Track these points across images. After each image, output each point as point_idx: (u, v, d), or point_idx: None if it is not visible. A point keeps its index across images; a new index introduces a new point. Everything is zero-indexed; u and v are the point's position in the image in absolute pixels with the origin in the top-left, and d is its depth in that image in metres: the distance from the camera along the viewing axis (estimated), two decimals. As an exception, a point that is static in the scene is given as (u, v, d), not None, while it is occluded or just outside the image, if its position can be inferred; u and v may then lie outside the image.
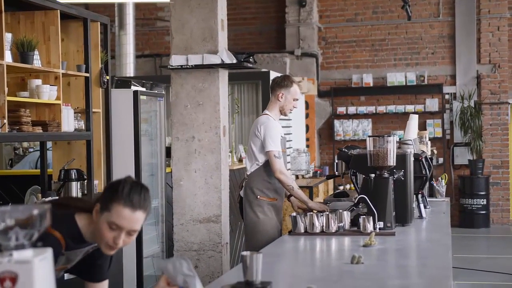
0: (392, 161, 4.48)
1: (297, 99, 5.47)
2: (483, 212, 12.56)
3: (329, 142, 13.35)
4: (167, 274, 2.61)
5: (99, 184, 6.02)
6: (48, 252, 1.82)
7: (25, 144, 8.54)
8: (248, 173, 5.43)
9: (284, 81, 5.45)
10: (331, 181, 11.46)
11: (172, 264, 2.59)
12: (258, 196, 5.33)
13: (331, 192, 10.68)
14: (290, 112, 5.60)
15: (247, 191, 5.41)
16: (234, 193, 7.09)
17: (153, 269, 6.94)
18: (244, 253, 2.77)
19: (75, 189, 5.54)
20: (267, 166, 5.31)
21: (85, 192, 5.75)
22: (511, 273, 8.70)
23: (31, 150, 8.75)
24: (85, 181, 5.73)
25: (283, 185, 5.27)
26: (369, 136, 4.55)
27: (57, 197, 4.90)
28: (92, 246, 2.85)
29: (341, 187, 12.14)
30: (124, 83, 6.64)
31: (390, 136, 4.51)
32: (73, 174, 5.55)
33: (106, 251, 2.73)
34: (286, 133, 10.45)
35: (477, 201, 12.52)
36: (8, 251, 1.78)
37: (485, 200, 12.54)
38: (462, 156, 12.87)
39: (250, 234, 5.38)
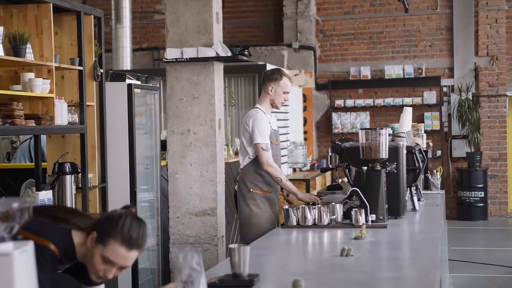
0: (384, 153, 4.48)
1: (287, 92, 5.48)
2: (481, 204, 12.57)
3: (327, 135, 13.34)
4: (175, 263, 2.61)
5: (93, 178, 6.02)
6: (29, 245, 1.82)
7: (22, 138, 8.54)
8: (241, 167, 5.47)
9: (274, 75, 5.47)
10: (328, 174, 11.47)
11: (184, 254, 2.59)
12: (251, 189, 5.37)
13: (328, 185, 10.68)
14: (283, 105, 5.61)
15: (240, 185, 5.45)
16: (230, 186, 7.10)
17: (148, 262, 6.94)
18: (232, 246, 2.78)
19: (69, 183, 5.53)
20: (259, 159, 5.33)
21: (79, 185, 5.75)
22: (508, 265, 8.72)
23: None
24: (79, 174, 5.72)
25: (271, 177, 5.30)
26: (361, 129, 4.55)
27: (55, 206, 4.80)
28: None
29: (339, 180, 12.15)
30: (119, 76, 6.63)
31: (382, 129, 4.51)
32: (67, 167, 5.54)
33: (94, 279, 2.74)
34: (284, 126, 10.48)
35: (475, 193, 12.53)
36: (-12, 244, 1.78)
37: (483, 192, 12.55)
38: (460, 149, 12.87)
39: (244, 227, 5.41)
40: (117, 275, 2.74)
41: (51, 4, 5.34)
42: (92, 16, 6.05)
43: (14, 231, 1.81)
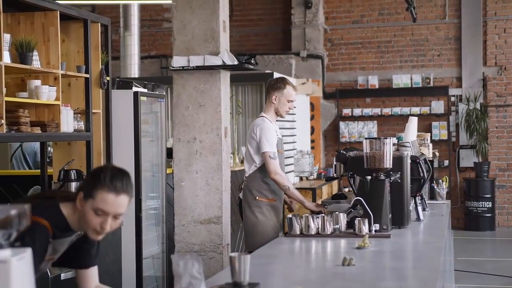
0: (388, 163, 4.47)
1: (291, 101, 5.51)
2: (489, 215, 12.52)
3: (334, 144, 13.33)
4: (175, 270, 2.62)
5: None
6: (27, 252, 1.83)
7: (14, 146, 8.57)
8: (246, 175, 5.49)
9: (277, 83, 5.50)
10: (335, 183, 11.44)
11: (184, 262, 2.61)
12: (257, 197, 5.39)
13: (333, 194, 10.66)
14: (287, 113, 5.64)
15: (245, 193, 5.46)
16: (236, 194, 7.10)
17: (153, 269, 6.95)
18: (232, 254, 2.78)
19: (75, 190, 5.55)
20: (265, 167, 5.34)
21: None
22: (508, 276, 8.68)
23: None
24: (85, 181, 5.74)
25: (278, 186, 5.32)
26: (365, 138, 4.55)
27: (40, 192, 4.93)
28: (76, 235, 2.90)
29: (346, 189, 12.12)
30: (126, 84, 6.66)
31: (386, 138, 4.51)
32: (73, 174, 5.56)
33: (94, 236, 2.81)
34: (291, 134, 10.48)
35: (482, 203, 12.48)
36: (-14, 250, 1.79)
37: (490, 202, 12.50)
38: (468, 159, 12.84)
39: (249, 235, 5.42)
40: (114, 228, 2.78)
41: (58, 12, 5.38)
42: (99, 24, 6.08)
43: (12, 238, 1.82)
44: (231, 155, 8.57)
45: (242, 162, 8.20)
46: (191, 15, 6.02)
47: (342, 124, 13.21)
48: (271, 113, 5.51)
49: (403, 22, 13.11)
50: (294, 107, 5.77)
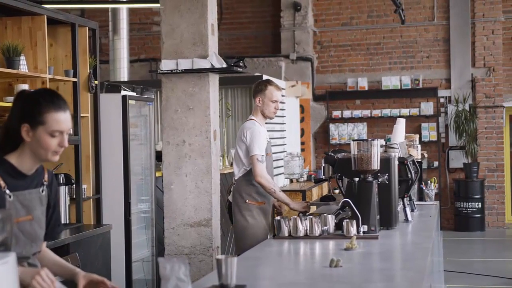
0: (376, 165, 4.49)
1: (275, 101, 5.54)
2: (478, 215, 12.57)
3: (324, 146, 13.36)
4: (162, 273, 2.63)
5: (87, 189, 6.03)
6: (11, 257, 1.83)
7: None
8: (235, 178, 5.53)
9: (259, 86, 5.58)
10: (325, 185, 11.47)
11: (171, 264, 2.62)
12: (247, 200, 5.43)
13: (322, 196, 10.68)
14: (275, 114, 5.66)
15: (235, 196, 5.50)
16: (225, 197, 7.11)
17: (143, 273, 6.95)
18: (219, 257, 2.80)
19: (63, 194, 5.54)
20: None
21: (74, 196, 5.76)
22: (505, 276, 8.71)
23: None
24: (73, 185, 5.74)
25: (264, 189, 5.34)
26: (353, 140, 4.57)
27: None
28: (42, 189, 2.86)
29: (337, 191, 12.13)
30: (114, 87, 6.65)
31: (374, 140, 4.52)
32: (61, 178, 5.56)
33: (53, 158, 2.78)
34: (280, 136, 10.50)
35: (472, 204, 12.53)
36: (-30, 255, 1.79)
37: (480, 203, 12.55)
38: (457, 160, 12.88)
39: (240, 238, 5.44)
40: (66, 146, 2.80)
41: (45, 16, 5.37)
42: (87, 28, 6.08)
43: (-5, 242, 1.83)
44: (221, 158, 8.58)
45: (231, 164, 8.20)
46: (179, 18, 6.03)
47: (332, 126, 13.23)
48: (259, 116, 5.57)
49: (392, 24, 13.15)
50: (282, 108, 5.80)
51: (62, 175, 5.59)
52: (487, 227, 12.77)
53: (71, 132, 2.84)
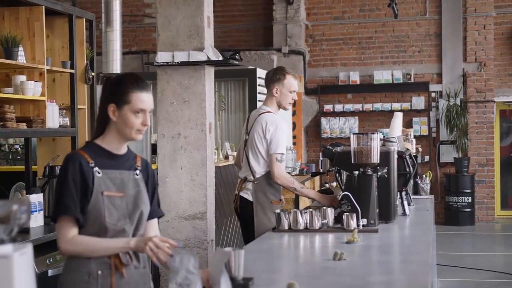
0: (375, 158, 4.49)
1: (293, 91, 5.20)
2: (468, 209, 12.63)
3: (316, 139, 13.38)
4: (171, 264, 2.63)
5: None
6: (28, 248, 1.82)
7: (11, 141, 8.50)
8: (256, 176, 5.17)
9: (276, 75, 5.21)
10: (317, 179, 11.48)
11: (181, 257, 2.63)
12: (272, 201, 5.15)
13: (317, 189, 10.69)
14: (290, 105, 5.36)
15: (258, 195, 5.16)
16: (220, 190, 7.10)
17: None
18: (226, 249, 2.79)
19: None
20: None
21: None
22: (495, 270, 8.77)
23: (17, 146, 8.72)
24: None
25: (286, 188, 5.09)
26: (353, 134, 4.56)
27: None
28: (135, 172, 3.00)
29: (327, 185, 12.15)
30: (110, 79, 6.62)
31: (374, 133, 4.53)
32: (58, 170, 5.52)
33: (137, 137, 2.96)
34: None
35: (462, 198, 12.59)
36: (-13, 246, 1.78)
37: (470, 197, 12.61)
38: (448, 154, 12.94)
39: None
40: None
41: (43, 7, 5.34)
42: (84, 19, 6.05)
43: (13, 233, 1.82)
44: (215, 151, 8.57)
45: (226, 158, 8.19)
46: (175, 10, 6.01)
47: (323, 120, 13.24)
48: (273, 107, 5.24)
49: (384, 18, 13.17)
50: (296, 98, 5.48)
51: (59, 167, 5.55)
52: (477, 221, 12.84)
53: (152, 107, 2.99)
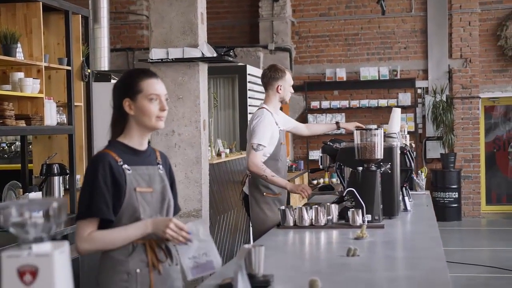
0: (379, 154, 4.49)
1: (291, 84, 5.52)
2: (455, 205, 12.71)
3: (302, 137, 13.34)
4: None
5: (81, 179, 5.95)
6: (65, 246, 1.79)
7: (10, 138, 8.41)
8: (251, 170, 5.28)
9: (278, 73, 5.40)
10: (305, 175, 11.50)
11: (188, 229, 2.63)
12: (264, 193, 5.29)
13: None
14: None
15: (252, 188, 5.32)
16: (213, 188, 7.08)
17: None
18: (247, 246, 2.76)
19: (57, 184, 5.46)
20: (270, 161, 5.25)
21: (67, 187, 5.68)
22: (483, 264, 8.83)
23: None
24: (67, 175, 5.65)
25: (257, 177, 5.22)
26: (356, 129, 4.56)
27: None
28: (158, 167, 3.00)
29: (321, 180, 12.18)
30: (104, 76, 6.58)
31: (377, 129, 4.52)
32: (55, 168, 5.47)
33: (158, 124, 2.95)
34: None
35: (449, 194, 12.66)
36: (27, 244, 1.76)
37: (456, 193, 12.69)
38: (434, 150, 13.00)
39: (259, 231, 5.24)
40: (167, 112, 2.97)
41: (41, 3, 5.27)
42: (80, 15, 5.98)
43: (52, 231, 1.79)
44: (208, 148, 8.54)
45: (218, 155, 8.16)
46: (168, 7, 5.98)
47: (310, 117, 13.25)
48: (273, 103, 5.41)
49: (370, 15, 13.20)
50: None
51: (57, 165, 5.51)
52: (464, 216, 12.93)
53: (166, 92, 3.00)
